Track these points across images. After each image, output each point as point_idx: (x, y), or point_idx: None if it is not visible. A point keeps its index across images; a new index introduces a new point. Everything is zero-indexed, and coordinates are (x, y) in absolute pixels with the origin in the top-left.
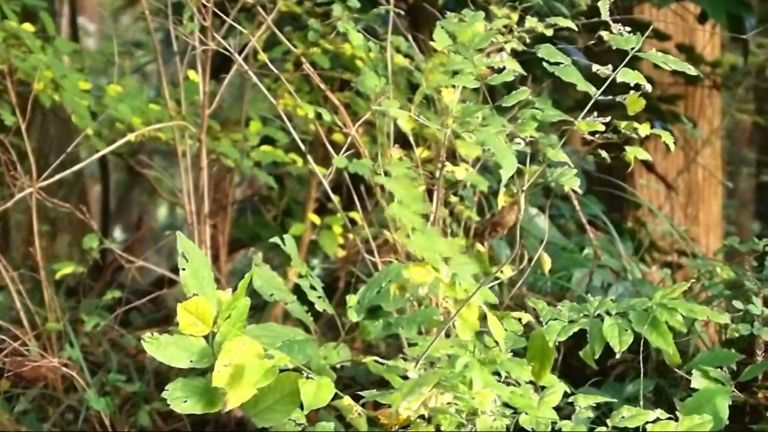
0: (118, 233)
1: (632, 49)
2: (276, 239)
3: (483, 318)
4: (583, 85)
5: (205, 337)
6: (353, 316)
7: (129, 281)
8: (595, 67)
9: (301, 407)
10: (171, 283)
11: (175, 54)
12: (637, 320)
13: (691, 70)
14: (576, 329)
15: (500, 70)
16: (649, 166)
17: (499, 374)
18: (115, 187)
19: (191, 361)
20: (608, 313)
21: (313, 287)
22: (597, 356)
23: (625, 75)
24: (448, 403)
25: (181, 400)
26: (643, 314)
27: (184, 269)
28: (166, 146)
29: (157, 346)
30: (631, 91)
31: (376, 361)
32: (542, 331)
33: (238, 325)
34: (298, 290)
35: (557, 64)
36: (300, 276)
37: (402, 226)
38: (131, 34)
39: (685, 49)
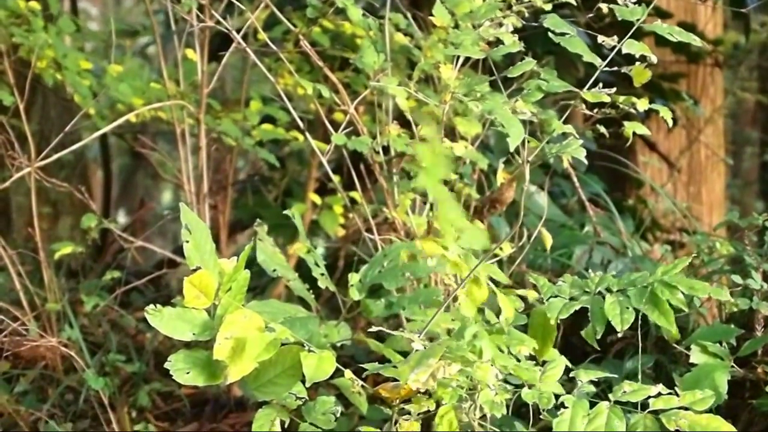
0: (121, 217)
1: (637, 20)
2: (287, 212)
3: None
4: (588, 56)
5: (207, 310)
6: (355, 295)
7: (130, 263)
8: (600, 38)
9: (303, 381)
10: (172, 264)
11: (176, 34)
12: (637, 297)
13: (696, 41)
14: (577, 307)
15: (500, 44)
16: (651, 145)
17: (501, 350)
18: (119, 171)
19: (194, 334)
20: (609, 290)
21: (317, 264)
22: (599, 336)
23: (631, 46)
24: (449, 377)
25: (183, 371)
26: (643, 291)
27: (187, 242)
28: (168, 127)
29: (160, 319)
30: (637, 63)
31: (378, 336)
32: (543, 308)
33: (238, 297)
34: (298, 270)
35: (563, 35)
36: (305, 252)
37: (401, 203)
38: (134, 18)
39: (687, 27)
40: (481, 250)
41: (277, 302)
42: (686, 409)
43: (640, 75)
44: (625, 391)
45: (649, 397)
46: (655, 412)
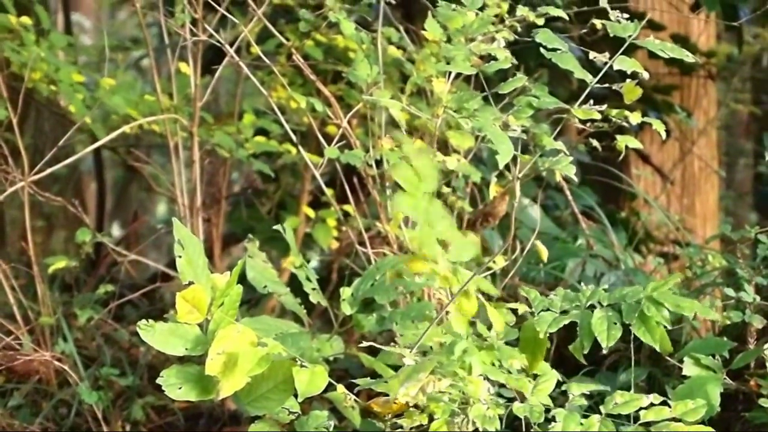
0: (115, 229)
1: (629, 36)
2: (278, 227)
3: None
4: (579, 72)
5: (200, 325)
6: (347, 309)
7: (124, 276)
8: (592, 55)
9: (295, 396)
10: (166, 277)
11: (169, 48)
12: (626, 313)
13: (689, 57)
14: (567, 321)
15: (492, 59)
16: (644, 157)
17: (493, 364)
18: (113, 183)
19: (186, 349)
20: (600, 304)
21: (308, 278)
22: (586, 351)
23: (623, 63)
24: (441, 392)
25: (175, 386)
26: (633, 307)
27: (180, 256)
28: (161, 140)
29: (152, 334)
30: (627, 80)
31: (368, 350)
32: (534, 321)
33: (231, 312)
34: (291, 283)
35: (554, 50)
36: (296, 267)
37: (394, 216)
38: (128, 30)
39: (680, 40)
40: (473, 263)
41: (268, 318)
42: (678, 420)
43: (631, 92)
44: (616, 403)
45: (641, 408)
46: (647, 424)
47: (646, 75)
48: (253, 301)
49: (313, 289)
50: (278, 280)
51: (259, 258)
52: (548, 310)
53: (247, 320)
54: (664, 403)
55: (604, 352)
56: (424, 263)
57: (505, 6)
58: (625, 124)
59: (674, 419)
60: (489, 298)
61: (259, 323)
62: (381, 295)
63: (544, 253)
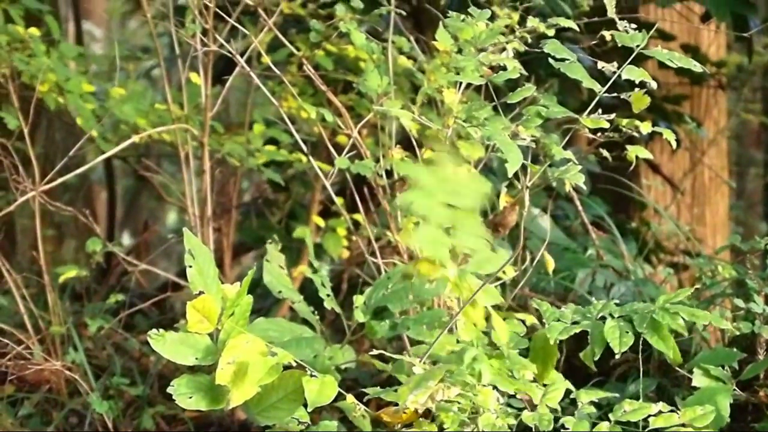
0: (126, 239)
1: (637, 46)
2: (297, 233)
3: (487, 318)
4: (588, 82)
5: (210, 335)
6: (360, 317)
7: (134, 285)
8: (600, 65)
9: (305, 405)
10: (176, 287)
11: (180, 58)
12: (638, 321)
13: (697, 66)
14: (578, 330)
15: (502, 69)
16: (654, 167)
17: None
18: (124, 192)
19: (196, 359)
20: (611, 315)
21: (323, 285)
22: (597, 358)
23: (631, 72)
24: (450, 401)
25: (186, 396)
26: (646, 316)
27: (190, 266)
28: (172, 149)
29: (163, 343)
30: (636, 89)
31: (381, 358)
32: (544, 331)
33: (241, 322)
34: (302, 292)
35: (563, 60)
36: (313, 272)
37: (404, 226)
38: (138, 40)
39: (690, 50)
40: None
41: (284, 321)
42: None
43: (639, 101)
44: (625, 411)
45: (650, 415)
46: (656, 431)
47: (654, 84)
48: (263, 311)
49: (328, 295)
50: (293, 287)
51: (277, 262)
52: (559, 321)
53: (263, 320)
54: (672, 410)
55: (616, 358)
56: (433, 266)
57: (516, 17)
58: (635, 134)
59: (683, 425)
60: (498, 307)
61: (274, 324)
62: (393, 303)
63: (551, 265)
